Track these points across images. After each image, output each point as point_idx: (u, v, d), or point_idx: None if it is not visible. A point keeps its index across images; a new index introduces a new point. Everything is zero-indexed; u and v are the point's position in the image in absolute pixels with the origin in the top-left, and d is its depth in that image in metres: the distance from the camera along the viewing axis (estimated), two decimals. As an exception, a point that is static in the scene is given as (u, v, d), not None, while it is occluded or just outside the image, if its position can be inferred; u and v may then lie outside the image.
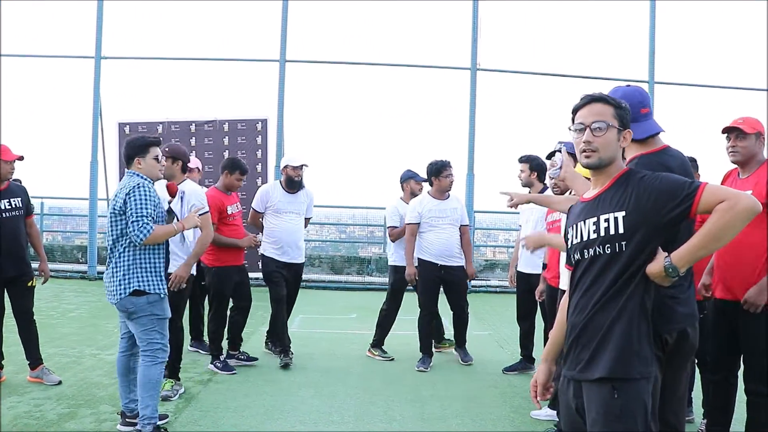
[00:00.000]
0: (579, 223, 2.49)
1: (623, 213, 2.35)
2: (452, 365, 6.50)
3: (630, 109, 2.54)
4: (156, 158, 4.37)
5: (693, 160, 4.51)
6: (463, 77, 12.12)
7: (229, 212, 6.13)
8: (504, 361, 6.55)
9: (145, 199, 4.14)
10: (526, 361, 6.31)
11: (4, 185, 5.33)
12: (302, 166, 6.51)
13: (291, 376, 5.91)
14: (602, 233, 2.39)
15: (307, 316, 8.93)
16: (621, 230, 2.35)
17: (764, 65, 13.83)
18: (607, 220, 2.38)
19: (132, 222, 4.10)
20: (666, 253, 2.31)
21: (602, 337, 2.36)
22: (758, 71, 13.97)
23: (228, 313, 6.23)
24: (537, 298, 5.69)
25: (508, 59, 13.34)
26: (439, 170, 6.48)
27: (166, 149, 5.21)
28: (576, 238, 2.50)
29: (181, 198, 5.12)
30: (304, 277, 12.41)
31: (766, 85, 12.86)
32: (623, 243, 2.35)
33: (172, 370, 5.18)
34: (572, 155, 3.21)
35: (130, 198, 4.13)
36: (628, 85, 3.08)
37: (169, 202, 4.75)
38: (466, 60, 12.08)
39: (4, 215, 5.29)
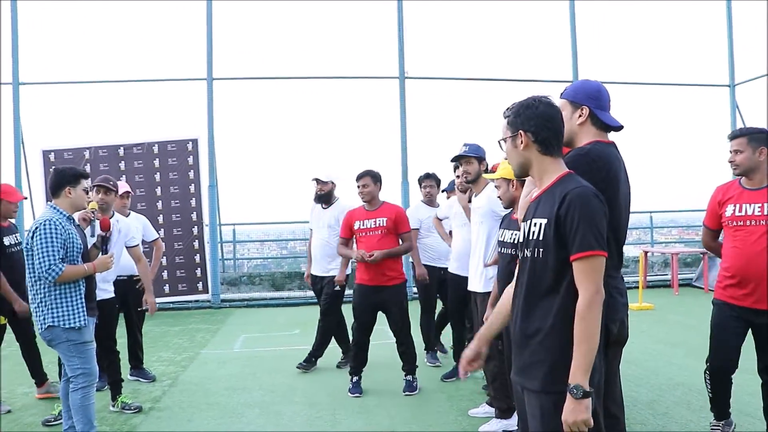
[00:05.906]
0: (525, 223, 2.51)
1: (545, 221, 2.36)
2: (399, 375, 6.50)
3: (603, 97, 2.85)
4: (85, 190, 4.40)
5: None
6: (392, 86, 12.24)
7: (356, 227, 6.27)
8: (447, 365, 6.60)
9: (53, 237, 4.08)
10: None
11: (6, 223, 5.62)
12: (316, 180, 6.78)
13: (235, 398, 5.81)
14: (533, 236, 2.41)
15: (250, 335, 8.81)
16: (541, 237, 2.36)
17: (682, 61, 14.46)
18: (537, 224, 2.40)
19: (39, 260, 4.06)
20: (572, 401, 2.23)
21: (536, 345, 2.36)
22: (679, 67, 14.55)
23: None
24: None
25: (436, 66, 13.39)
26: None
27: (111, 183, 5.46)
28: (521, 236, 2.52)
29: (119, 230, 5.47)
30: (244, 296, 12.26)
31: (687, 80, 13.49)
32: (542, 250, 2.36)
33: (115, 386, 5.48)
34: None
35: (36, 235, 4.09)
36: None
37: (105, 235, 4.67)
38: (394, 69, 12.20)
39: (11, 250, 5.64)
